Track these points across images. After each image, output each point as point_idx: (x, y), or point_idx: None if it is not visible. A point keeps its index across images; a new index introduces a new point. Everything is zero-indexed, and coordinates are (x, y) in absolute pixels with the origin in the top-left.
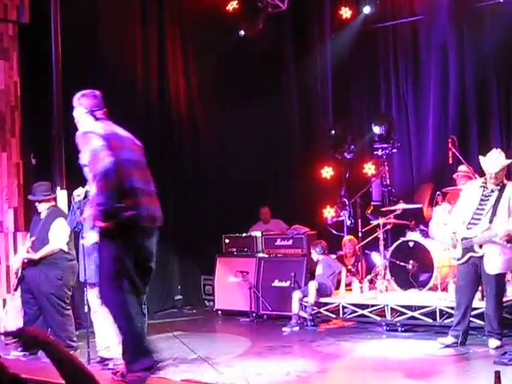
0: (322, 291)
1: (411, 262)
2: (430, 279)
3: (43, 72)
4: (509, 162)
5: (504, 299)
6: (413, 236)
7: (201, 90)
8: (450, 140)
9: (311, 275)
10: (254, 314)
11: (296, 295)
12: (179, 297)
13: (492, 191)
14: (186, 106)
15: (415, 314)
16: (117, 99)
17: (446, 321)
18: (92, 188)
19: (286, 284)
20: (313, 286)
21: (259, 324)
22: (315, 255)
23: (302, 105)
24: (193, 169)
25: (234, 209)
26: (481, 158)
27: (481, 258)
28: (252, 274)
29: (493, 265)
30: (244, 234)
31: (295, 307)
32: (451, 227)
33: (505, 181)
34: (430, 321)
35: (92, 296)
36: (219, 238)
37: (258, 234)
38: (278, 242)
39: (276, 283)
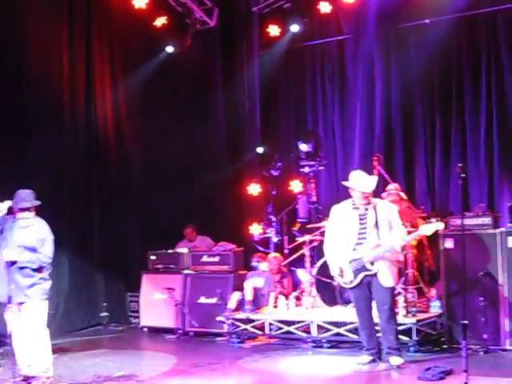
0: (259, 303)
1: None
2: None
3: None
4: (376, 179)
5: (427, 315)
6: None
7: (128, 108)
8: (375, 158)
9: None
10: (180, 331)
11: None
12: (105, 314)
13: (366, 210)
14: (113, 126)
15: (340, 330)
16: (43, 121)
17: None
18: None
19: (213, 301)
20: (236, 296)
21: (185, 341)
22: (264, 266)
23: (229, 122)
24: (119, 186)
25: (160, 226)
26: (351, 179)
27: (374, 274)
28: (178, 290)
29: (388, 278)
30: (170, 251)
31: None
32: (334, 255)
33: (372, 199)
34: (355, 337)
35: (7, 315)
36: (145, 255)
37: (184, 250)
38: (205, 259)
39: (202, 300)
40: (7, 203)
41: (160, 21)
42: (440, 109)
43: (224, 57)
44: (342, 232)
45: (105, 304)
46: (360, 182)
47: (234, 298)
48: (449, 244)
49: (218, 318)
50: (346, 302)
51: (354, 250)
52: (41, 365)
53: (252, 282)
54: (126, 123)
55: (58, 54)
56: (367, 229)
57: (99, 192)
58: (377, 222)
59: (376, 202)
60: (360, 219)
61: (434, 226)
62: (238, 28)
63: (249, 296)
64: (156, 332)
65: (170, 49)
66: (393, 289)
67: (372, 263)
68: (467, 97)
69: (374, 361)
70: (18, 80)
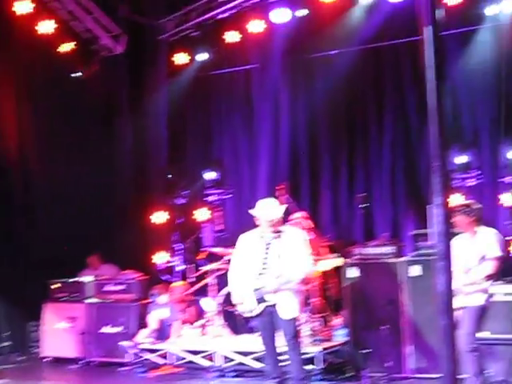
0: (165, 333)
1: None
2: None
3: None
4: (283, 208)
5: (332, 344)
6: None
7: (34, 135)
8: (281, 186)
9: (142, 321)
10: (82, 361)
11: None
12: (5, 343)
13: (273, 238)
14: (17, 153)
15: (245, 359)
16: None
17: None
18: None
19: (117, 330)
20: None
21: (88, 371)
22: (163, 299)
23: (136, 148)
24: (21, 216)
25: (63, 255)
26: (257, 208)
27: (274, 305)
28: (82, 319)
29: (287, 310)
30: (73, 280)
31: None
32: (238, 283)
33: (280, 227)
34: (259, 366)
35: None
36: (47, 283)
37: (88, 278)
38: (110, 287)
39: (107, 329)
40: None
41: (66, 47)
42: (345, 139)
43: (132, 83)
44: (248, 261)
45: (5, 334)
46: (265, 210)
47: (141, 335)
48: (353, 273)
49: (124, 343)
50: (252, 331)
51: (258, 279)
52: None
53: (156, 313)
54: (31, 150)
55: None
56: (271, 258)
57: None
58: (282, 251)
59: (285, 230)
60: (266, 248)
61: (333, 262)
62: (145, 55)
63: (153, 325)
64: (58, 362)
65: (76, 75)
66: (294, 320)
67: (273, 293)
68: (372, 127)
69: None
70: None
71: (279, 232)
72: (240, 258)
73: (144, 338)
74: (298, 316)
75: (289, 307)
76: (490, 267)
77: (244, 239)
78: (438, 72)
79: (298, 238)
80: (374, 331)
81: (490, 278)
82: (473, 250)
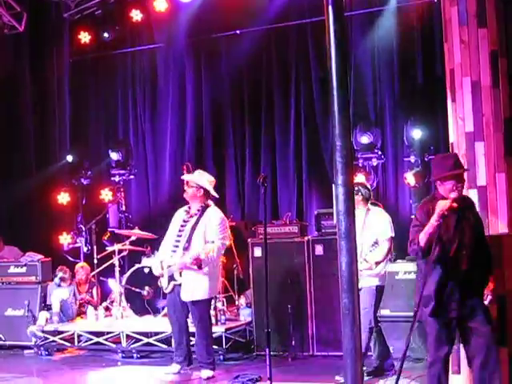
0: (67, 314)
1: (147, 288)
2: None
3: None
4: (210, 180)
5: (236, 324)
6: (148, 262)
7: None
8: (184, 167)
9: (44, 303)
10: None
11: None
12: None
13: (192, 216)
14: None
15: (151, 340)
16: None
17: None
18: None
19: (20, 313)
20: (44, 315)
21: None
22: (67, 280)
23: (38, 128)
24: None
25: None
26: (192, 174)
27: (180, 286)
28: None
29: (188, 292)
30: None
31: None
32: (159, 256)
33: (209, 202)
34: (165, 347)
35: None
36: None
37: None
38: (11, 270)
39: (9, 312)
40: None
41: None
42: (250, 119)
43: (33, 62)
44: (168, 236)
45: None
46: (198, 176)
47: (42, 317)
48: (257, 252)
49: (30, 329)
50: (156, 312)
51: (171, 256)
52: None
53: (57, 294)
54: None
55: None
56: (182, 236)
57: None
58: (192, 229)
59: (207, 210)
60: (181, 225)
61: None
62: (48, 34)
63: (56, 308)
64: None
65: None
66: (199, 303)
67: (180, 273)
68: (277, 108)
69: (183, 369)
70: None
71: (200, 210)
72: (168, 232)
73: (47, 320)
74: (205, 299)
75: (190, 289)
76: (384, 250)
77: (177, 212)
78: (341, 51)
79: (213, 218)
80: (278, 311)
81: (383, 260)
82: (366, 233)
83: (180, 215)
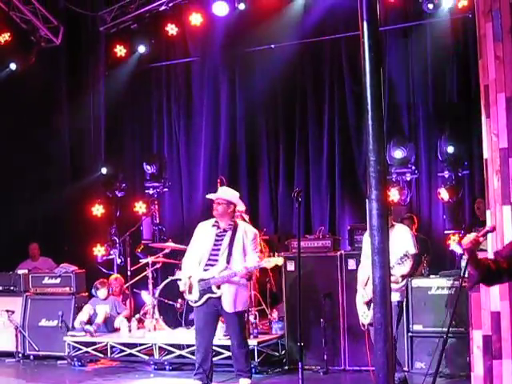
0: (109, 328)
1: (180, 300)
2: None
3: None
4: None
5: (269, 337)
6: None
7: None
8: (218, 180)
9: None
10: (20, 355)
11: None
12: None
13: (225, 231)
14: None
15: (183, 352)
16: None
17: (214, 358)
18: None
19: (54, 323)
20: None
21: (25, 364)
22: (103, 292)
23: (74, 141)
24: None
25: (1, 247)
26: (218, 192)
27: (219, 298)
28: (18, 313)
29: (230, 304)
30: (10, 272)
31: None
32: (187, 270)
33: (237, 220)
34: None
35: None
36: None
37: (24, 271)
38: (46, 281)
39: (43, 323)
40: None
41: (3, 37)
42: (284, 133)
43: (70, 76)
44: (198, 250)
45: None
46: (225, 193)
47: (79, 327)
48: (290, 266)
49: (63, 337)
50: (188, 324)
51: (205, 270)
52: None
53: (101, 307)
54: None
55: None
56: (220, 250)
57: None
58: (230, 244)
59: (239, 224)
60: (216, 239)
61: (275, 260)
62: (84, 47)
63: (100, 319)
64: None
65: (13, 66)
66: (239, 313)
67: (218, 287)
68: (310, 121)
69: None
70: None
71: (232, 225)
72: (193, 247)
73: (82, 331)
74: (244, 310)
75: (229, 302)
76: (408, 266)
77: (200, 227)
78: (376, 66)
79: (248, 233)
80: (310, 325)
81: (406, 276)
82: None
83: (208, 230)
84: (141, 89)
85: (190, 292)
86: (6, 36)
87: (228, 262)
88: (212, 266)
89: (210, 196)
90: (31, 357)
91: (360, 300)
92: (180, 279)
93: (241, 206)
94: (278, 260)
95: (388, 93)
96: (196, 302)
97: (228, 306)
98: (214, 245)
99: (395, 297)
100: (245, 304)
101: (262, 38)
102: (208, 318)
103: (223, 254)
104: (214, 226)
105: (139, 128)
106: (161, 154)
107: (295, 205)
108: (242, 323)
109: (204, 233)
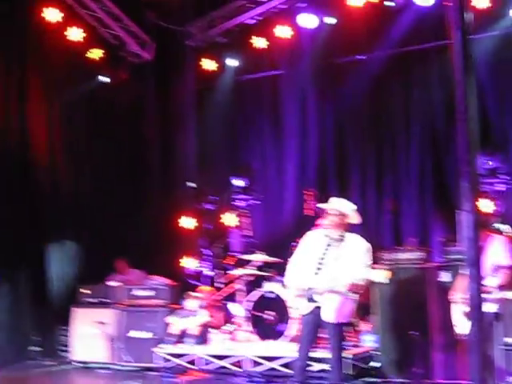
0: (204, 340)
1: (271, 312)
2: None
3: None
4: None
5: (360, 350)
6: (272, 287)
7: (63, 143)
8: (308, 193)
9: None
10: (111, 366)
11: None
12: (34, 348)
13: (336, 241)
14: (47, 155)
15: (273, 364)
16: None
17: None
18: None
19: (147, 335)
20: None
21: (117, 375)
22: (194, 304)
23: (163, 155)
24: (51, 220)
25: (92, 259)
26: (330, 203)
27: (321, 307)
28: (111, 324)
29: (332, 314)
30: (102, 284)
31: None
32: (294, 279)
33: (346, 233)
34: (288, 371)
35: None
36: (75, 288)
37: (116, 283)
38: (139, 293)
39: (136, 334)
40: None
41: (96, 54)
42: (373, 144)
43: (159, 90)
44: (306, 259)
45: (34, 338)
46: (339, 204)
47: (170, 339)
48: None
49: (154, 349)
50: (279, 336)
51: (313, 279)
52: None
53: (201, 320)
54: (60, 158)
55: None
56: (328, 260)
57: (29, 226)
58: (340, 254)
59: (349, 236)
60: (325, 249)
61: (384, 274)
62: (173, 62)
63: (195, 331)
64: (88, 367)
65: (104, 79)
66: (339, 325)
67: (323, 295)
68: (400, 132)
69: None
70: None
71: (343, 236)
72: (300, 255)
73: (173, 342)
74: (345, 322)
75: (329, 312)
76: (502, 277)
77: (308, 236)
78: (467, 75)
79: (360, 245)
80: (402, 337)
81: (503, 286)
82: (486, 259)
83: (319, 239)
84: (229, 102)
85: (297, 300)
86: (100, 53)
87: (336, 272)
88: (320, 275)
89: (321, 206)
90: (124, 368)
91: (458, 311)
92: (271, 291)
93: (354, 219)
94: (386, 273)
95: (479, 101)
96: (302, 310)
97: (325, 315)
98: (323, 254)
99: (489, 307)
100: (347, 316)
101: (350, 49)
102: (310, 327)
103: (332, 265)
104: (326, 235)
105: (228, 141)
106: (250, 168)
107: (387, 215)
108: (340, 335)
109: (312, 241)
